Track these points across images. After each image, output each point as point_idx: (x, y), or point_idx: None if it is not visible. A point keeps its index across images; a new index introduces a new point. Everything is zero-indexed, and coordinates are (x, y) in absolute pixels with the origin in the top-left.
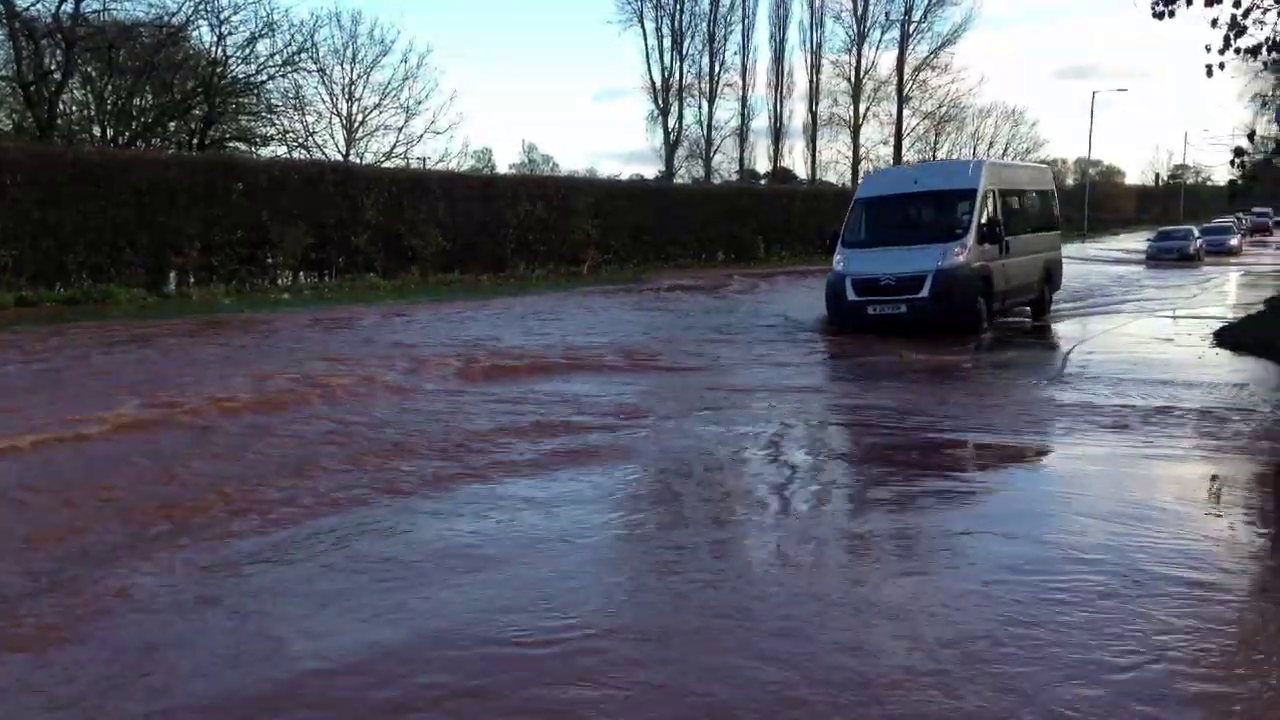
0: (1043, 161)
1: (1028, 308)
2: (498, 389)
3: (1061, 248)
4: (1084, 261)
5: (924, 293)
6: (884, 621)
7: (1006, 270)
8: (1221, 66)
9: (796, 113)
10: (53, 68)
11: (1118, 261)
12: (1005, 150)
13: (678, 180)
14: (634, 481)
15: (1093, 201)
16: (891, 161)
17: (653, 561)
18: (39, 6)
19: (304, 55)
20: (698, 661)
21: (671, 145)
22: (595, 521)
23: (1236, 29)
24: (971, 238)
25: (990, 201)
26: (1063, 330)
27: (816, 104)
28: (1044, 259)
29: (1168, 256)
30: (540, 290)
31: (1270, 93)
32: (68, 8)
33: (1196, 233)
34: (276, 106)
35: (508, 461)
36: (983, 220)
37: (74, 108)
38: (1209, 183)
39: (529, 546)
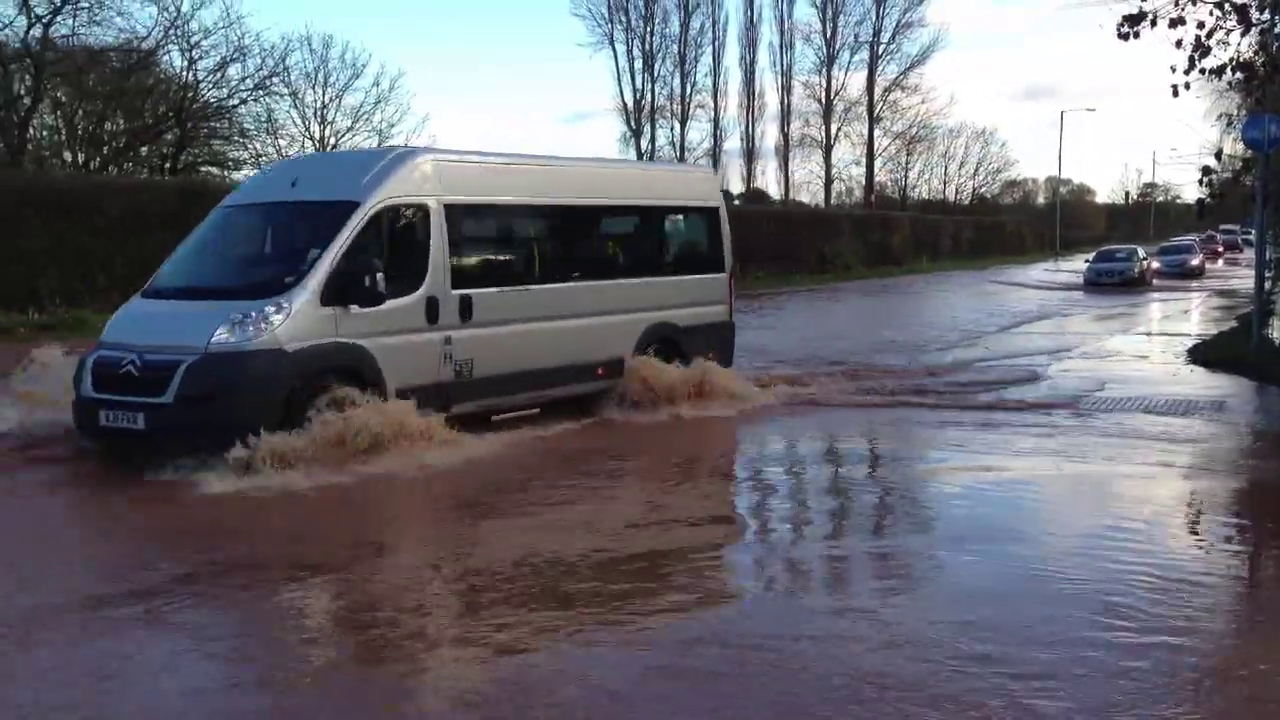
0: (1012, 181)
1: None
2: None
3: (727, 297)
4: (1020, 288)
5: (168, 395)
6: None
7: (475, 344)
8: (1187, 87)
9: (768, 133)
10: (21, 93)
11: (1056, 287)
12: (976, 170)
13: None
14: None
15: (1064, 220)
16: (864, 183)
17: None
18: (7, 32)
19: (276, 79)
20: None
21: None
22: None
23: (1201, 50)
24: (309, 292)
25: (392, 226)
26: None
27: (788, 125)
28: (659, 320)
29: (1108, 280)
30: None
31: (1235, 112)
32: (36, 33)
33: (1142, 253)
34: (249, 130)
35: None
36: (346, 261)
37: (44, 133)
38: (1178, 200)
39: None
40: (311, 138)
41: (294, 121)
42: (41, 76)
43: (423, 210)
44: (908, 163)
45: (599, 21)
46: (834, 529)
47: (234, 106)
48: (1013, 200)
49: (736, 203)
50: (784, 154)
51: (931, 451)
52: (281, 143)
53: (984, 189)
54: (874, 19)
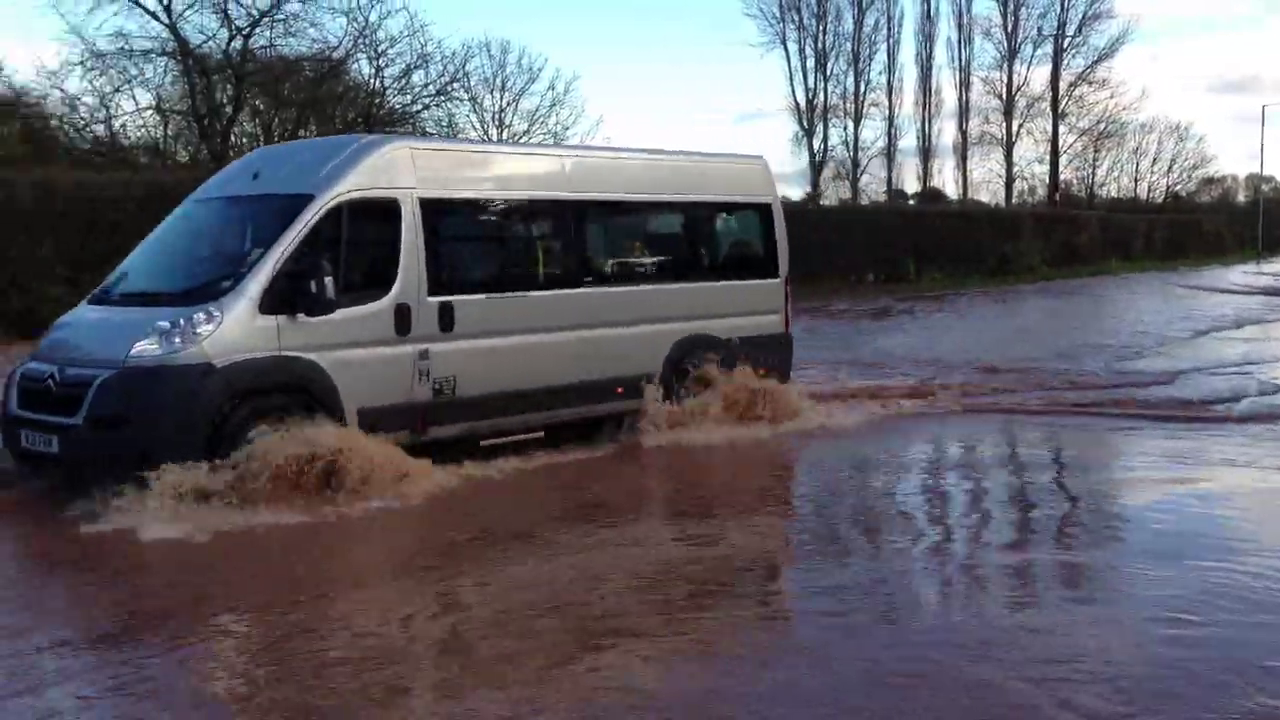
0: (1209, 178)
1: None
2: None
3: (782, 306)
4: (1213, 293)
5: (79, 415)
6: None
7: (459, 359)
8: None
9: (945, 131)
10: (224, 102)
11: (1257, 291)
12: (1170, 167)
13: (824, 202)
14: None
15: (1267, 220)
16: (1047, 182)
17: None
18: (211, 44)
19: (456, 85)
20: None
21: (817, 166)
22: None
23: None
24: (246, 299)
25: (354, 223)
26: None
27: (966, 122)
28: (695, 331)
29: None
30: None
31: None
32: (237, 45)
33: None
34: (430, 135)
35: None
36: (294, 263)
37: (244, 139)
38: None
39: None
40: (489, 141)
41: (473, 126)
42: (242, 86)
43: (393, 205)
44: (1095, 160)
45: (770, 21)
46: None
47: (417, 112)
48: (1210, 199)
49: (911, 202)
50: (962, 152)
51: (1039, 474)
52: None
53: (1179, 187)
54: (1058, 11)
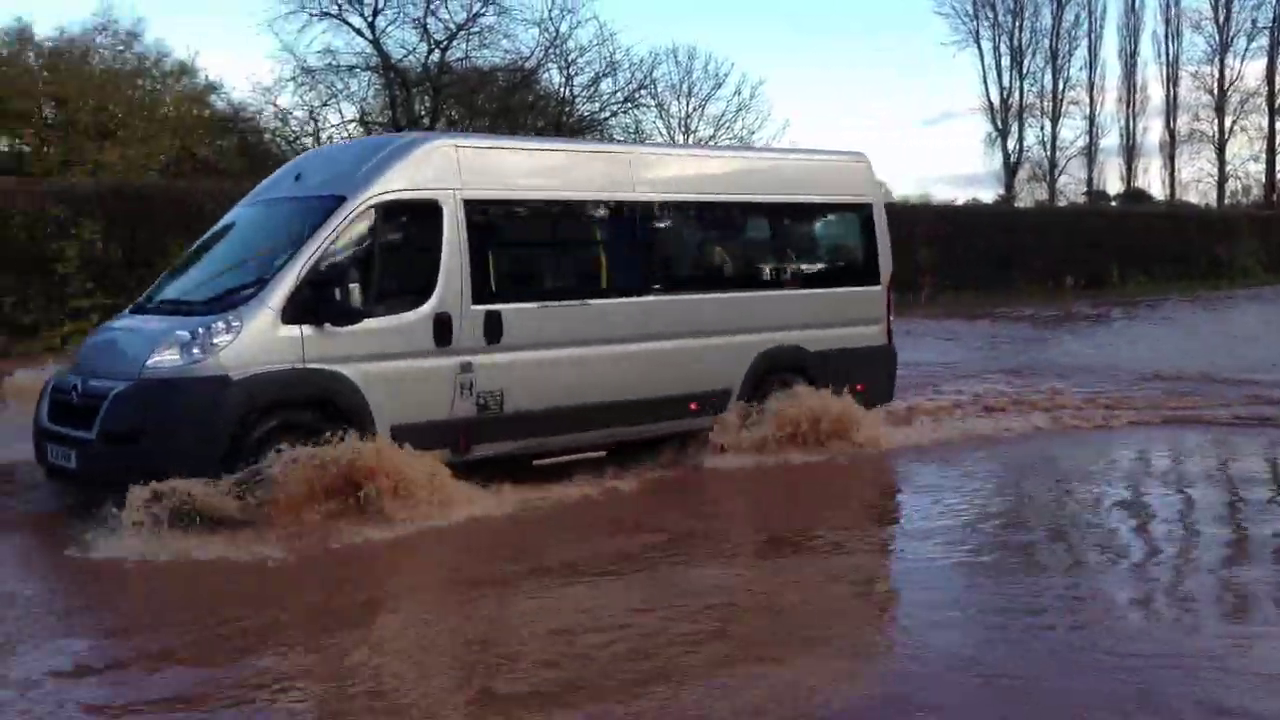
0: None
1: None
2: None
3: (883, 316)
4: None
5: (93, 430)
6: None
7: (507, 372)
8: None
9: (1151, 129)
10: (422, 113)
11: None
12: None
13: (1019, 204)
14: None
15: None
16: (1264, 181)
17: None
18: (411, 58)
19: (643, 92)
20: None
21: (1012, 167)
22: None
23: None
24: (268, 308)
25: (390, 226)
26: None
27: (1174, 119)
28: (781, 343)
29: None
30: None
31: None
32: (435, 58)
33: None
34: (618, 141)
35: None
36: (320, 269)
37: None
38: None
39: None
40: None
41: (659, 132)
42: (439, 97)
43: (433, 207)
44: None
45: (963, 19)
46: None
47: (605, 119)
48: None
49: (1113, 203)
50: (1169, 151)
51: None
52: None
53: None
54: (1274, 3)
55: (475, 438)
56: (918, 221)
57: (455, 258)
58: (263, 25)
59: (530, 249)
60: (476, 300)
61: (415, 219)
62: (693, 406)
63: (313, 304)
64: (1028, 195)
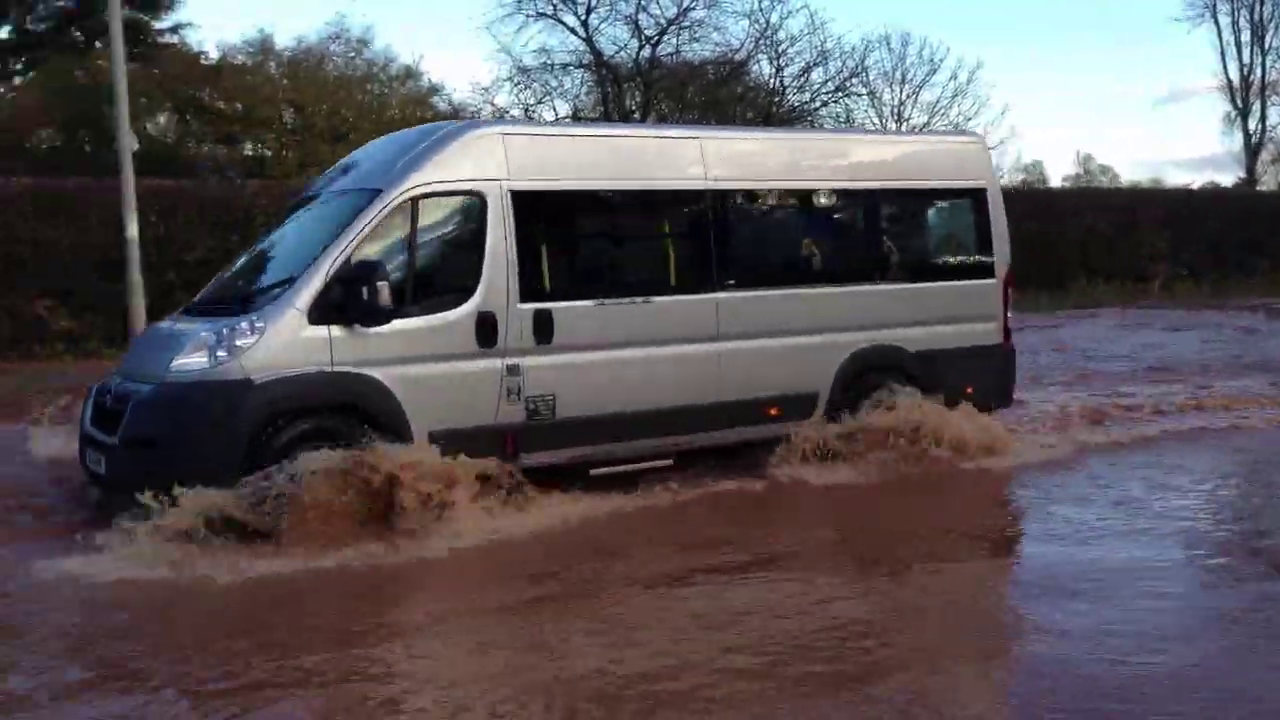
0: None
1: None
2: None
3: (999, 312)
4: None
5: (117, 435)
6: None
7: (558, 375)
8: None
9: None
10: (633, 108)
11: None
12: None
13: (1261, 187)
14: None
15: None
16: None
17: None
18: (622, 54)
19: (855, 80)
20: None
21: (1253, 149)
22: None
23: None
24: (294, 307)
25: (429, 220)
26: None
27: None
28: (877, 343)
29: None
30: (1113, 304)
31: None
32: (645, 54)
33: None
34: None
35: None
36: (351, 267)
37: None
38: None
39: None
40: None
41: (871, 120)
42: (650, 92)
43: (477, 199)
44: None
45: None
46: None
47: (815, 109)
48: None
49: None
50: None
51: None
52: None
53: None
54: None
55: (524, 445)
56: (1147, 206)
57: (501, 254)
58: (481, 28)
59: (586, 243)
60: (525, 298)
61: (456, 213)
62: (772, 412)
63: (342, 304)
64: (1270, 178)
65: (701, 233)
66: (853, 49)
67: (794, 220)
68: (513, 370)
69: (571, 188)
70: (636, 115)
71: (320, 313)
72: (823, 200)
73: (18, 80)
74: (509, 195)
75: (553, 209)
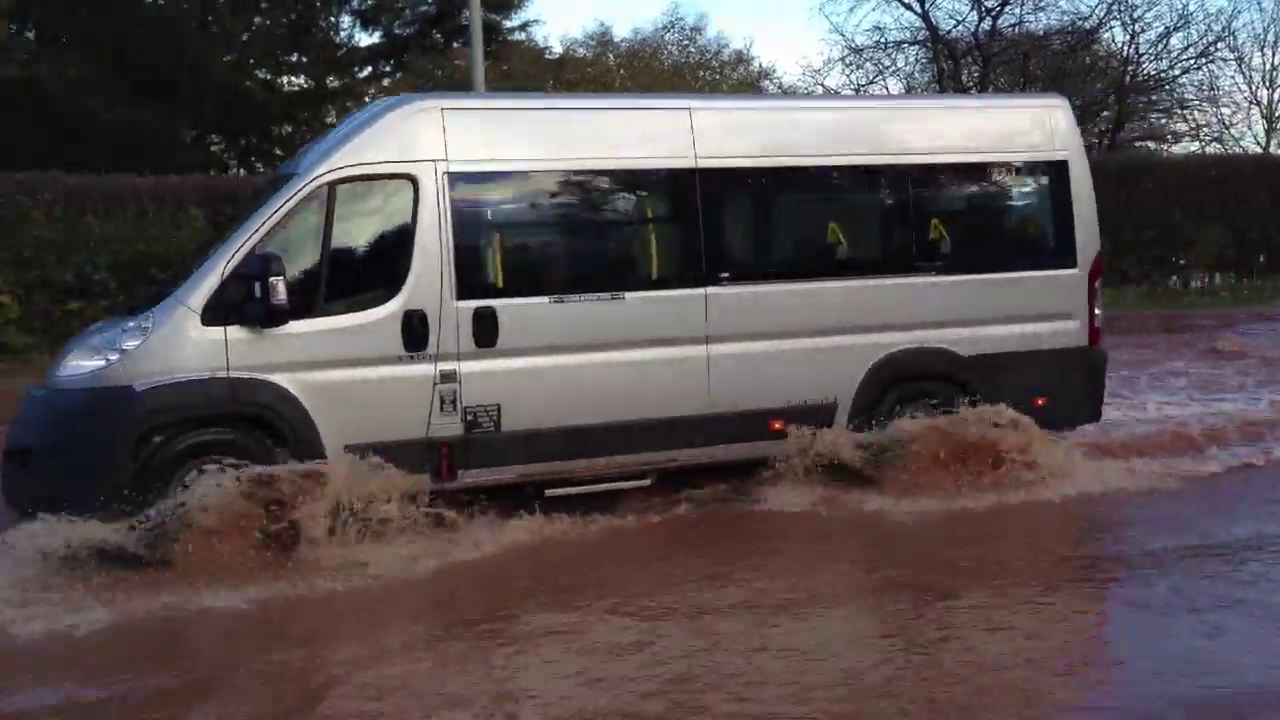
0: None
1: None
2: None
3: (1084, 308)
4: None
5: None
6: None
7: (504, 381)
8: None
9: None
10: (970, 84)
11: None
12: None
13: None
14: None
15: None
16: None
17: None
18: (960, 29)
19: (1220, 44)
20: None
21: None
22: None
23: None
24: (185, 306)
25: (347, 207)
26: None
27: None
28: (916, 345)
29: None
30: None
31: None
32: (985, 26)
33: None
34: (1188, 101)
35: None
36: (251, 262)
37: None
38: None
39: None
40: (1258, 103)
41: (1239, 88)
42: (989, 66)
43: (407, 183)
44: None
45: None
46: None
47: (1175, 77)
48: None
49: None
50: None
51: None
52: (1225, 111)
53: None
54: None
55: (462, 461)
56: None
57: (434, 245)
58: (813, 10)
59: (541, 231)
60: (463, 295)
61: (381, 198)
62: (775, 425)
63: (241, 302)
64: None
65: (688, 218)
66: (1218, 11)
67: (803, 203)
68: (447, 376)
69: (524, 168)
70: (974, 91)
71: (215, 312)
72: (840, 179)
73: (386, 81)
74: (445, 178)
75: (501, 193)
